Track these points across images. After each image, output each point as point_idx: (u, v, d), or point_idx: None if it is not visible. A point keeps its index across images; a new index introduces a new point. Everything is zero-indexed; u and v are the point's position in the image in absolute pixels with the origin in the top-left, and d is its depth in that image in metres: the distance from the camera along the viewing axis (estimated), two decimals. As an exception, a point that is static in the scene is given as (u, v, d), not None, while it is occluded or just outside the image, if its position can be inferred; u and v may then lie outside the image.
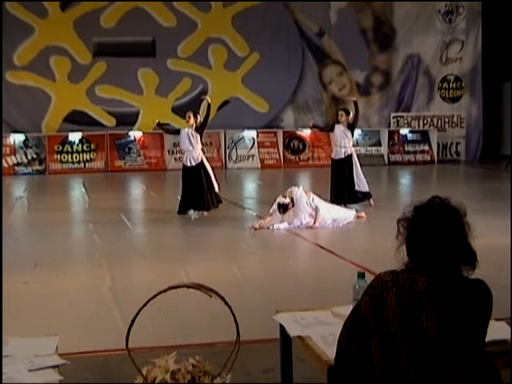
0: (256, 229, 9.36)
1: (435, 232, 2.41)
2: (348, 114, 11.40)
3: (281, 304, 4.28)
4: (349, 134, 11.32)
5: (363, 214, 10.06)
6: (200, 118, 10.88)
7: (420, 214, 2.46)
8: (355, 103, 11.70)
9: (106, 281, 6.65)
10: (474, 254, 2.44)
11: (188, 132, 10.74)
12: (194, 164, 10.72)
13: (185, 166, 10.84)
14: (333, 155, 11.61)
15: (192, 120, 10.72)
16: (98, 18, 18.93)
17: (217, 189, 10.80)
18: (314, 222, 9.43)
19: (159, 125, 11.61)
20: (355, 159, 11.49)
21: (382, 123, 20.58)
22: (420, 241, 2.43)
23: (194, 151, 10.72)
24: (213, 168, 11.15)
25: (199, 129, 10.75)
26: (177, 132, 11.25)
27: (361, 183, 11.37)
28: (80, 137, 18.36)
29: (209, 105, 11.04)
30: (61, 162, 18.20)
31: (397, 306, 2.37)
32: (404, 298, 2.36)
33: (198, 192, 10.64)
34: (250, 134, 19.25)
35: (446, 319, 2.32)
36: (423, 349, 2.32)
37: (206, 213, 10.69)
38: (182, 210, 10.73)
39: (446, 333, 2.31)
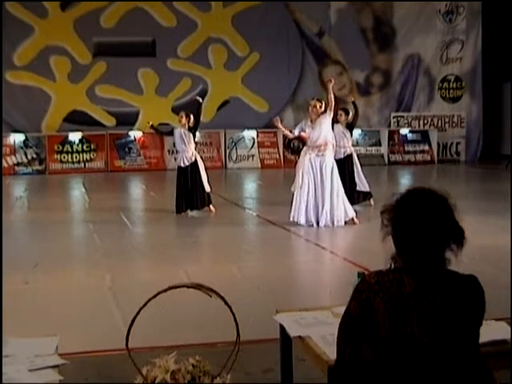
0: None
1: (421, 211, 2.34)
2: (347, 113, 11.39)
3: (281, 304, 4.28)
4: (348, 133, 11.32)
5: (356, 220, 9.72)
6: (193, 118, 10.90)
7: (403, 199, 2.40)
8: (354, 103, 11.69)
9: (106, 281, 6.65)
10: (462, 230, 2.38)
11: (181, 132, 10.76)
12: (187, 164, 10.74)
13: (179, 167, 10.88)
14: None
15: (184, 120, 10.73)
16: (97, 18, 18.95)
17: (208, 189, 10.80)
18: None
19: (153, 128, 11.91)
20: (355, 159, 11.49)
21: (382, 123, 20.59)
22: (406, 223, 2.35)
23: (188, 151, 10.74)
24: (207, 168, 11.15)
25: (192, 129, 10.77)
26: (171, 133, 11.27)
27: (361, 183, 11.37)
28: (80, 137, 18.38)
29: (199, 104, 11.04)
30: (61, 161, 18.22)
31: (385, 311, 2.30)
32: (392, 302, 2.30)
33: (192, 191, 10.66)
34: (249, 134, 19.26)
35: (436, 322, 2.27)
36: (414, 354, 2.27)
37: (199, 211, 10.73)
38: (180, 209, 10.75)
39: (437, 336, 2.27)
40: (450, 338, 2.28)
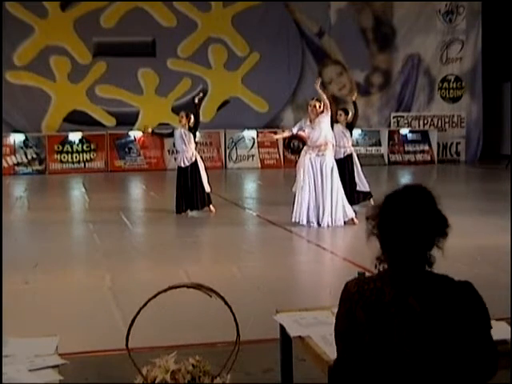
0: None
1: (404, 204, 2.29)
2: (347, 113, 11.39)
3: (281, 304, 4.28)
4: (347, 133, 11.32)
5: (356, 221, 9.66)
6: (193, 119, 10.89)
7: (386, 199, 2.36)
8: (354, 103, 11.69)
9: (106, 281, 6.65)
10: (446, 219, 2.32)
11: (181, 132, 10.76)
12: (187, 164, 10.74)
13: (179, 168, 10.88)
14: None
15: (184, 120, 10.74)
16: (97, 18, 18.94)
17: (208, 190, 10.79)
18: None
19: (153, 133, 11.96)
20: (355, 159, 11.48)
21: (382, 123, 20.59)
22: (392, 218, 2.30)
23: (188, 151, 10.74)
24: (207, 169, 11.15)
25: (192, 129, 10.77)
26: (171, 134, 11.27)
27: (362, 183, 11.36)
28: (80, 137, 18.38)
29: (195, 104, 11.00)
30: (61, 161, 18.21)
31: (366, 321, 2.27)
32: (372, 311, 2.27)
33: (192, 191, 10.65)
34: (249, 134, 19.25)
35: (417, 332, 2.22)
36: (397, 363, 2.23)
37: (199, 211, 10.71)
38: (180, 209, 10.74)
39: (419, 346, 2.22)
40: (434, 347, 2.22)
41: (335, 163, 9.70)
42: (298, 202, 9.53)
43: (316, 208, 9.50)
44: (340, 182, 9.70)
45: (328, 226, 9.44)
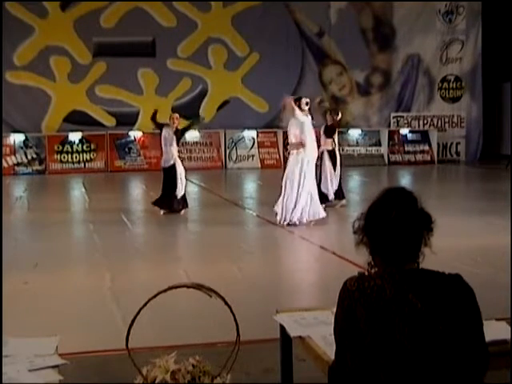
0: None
1: (388, 206, 2.36)
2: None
3: (281, 304, 4.28)
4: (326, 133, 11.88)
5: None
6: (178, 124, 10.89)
7: (372, 206, 2.43)
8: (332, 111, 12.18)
9: (106, 281, 6.65)
10: (430, 216, 2.37)
11: (165, 132, 10.76)
12: (166, 166, 10.79)
13: (162, 168, 10.98)
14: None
15: (177, 123, 10.73)
16: (98, 18, 18.96)
17: (179, 194, 10.69)
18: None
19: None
20: (326, 156, 11.78)
21: (382, 123, 20.59)
22: (378, 221, 2.35)
23: (167, 153, 10.77)
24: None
25: (178, 132, 10.76)
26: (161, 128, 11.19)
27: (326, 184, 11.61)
28: (80, 137, 18.38)
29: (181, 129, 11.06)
30: (61, 161, 18.22)
31: (367, 318, 2.27)
32: (373, 308, 2.27)
33: (167, 192, 10.69)
34: (250, 134, 19.25)
35: (418, 328, 2.23)
36: (399, 361, 2.23)
37: (163, 211, 10.72)
38: (158, 203, 10.79)
39: (420, 342, 2.23)
40: (434, 343, 2.23)
41: (309, 161, 9.78)
42: (285, 203, 9.59)
43: (295, 206, 9.57)
44: (314, 179, 9.90)
45: (310, 221, 9.53)
